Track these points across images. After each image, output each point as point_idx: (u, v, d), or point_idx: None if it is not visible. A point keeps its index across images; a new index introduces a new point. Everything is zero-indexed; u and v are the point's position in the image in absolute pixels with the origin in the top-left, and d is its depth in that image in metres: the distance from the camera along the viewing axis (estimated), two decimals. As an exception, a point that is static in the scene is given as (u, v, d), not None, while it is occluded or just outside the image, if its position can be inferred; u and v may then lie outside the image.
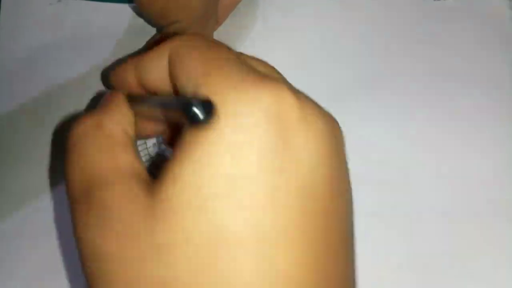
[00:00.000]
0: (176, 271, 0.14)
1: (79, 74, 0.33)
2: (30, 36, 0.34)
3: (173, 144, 0.18)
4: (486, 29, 0.31)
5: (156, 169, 0.15)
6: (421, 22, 0.32)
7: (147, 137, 0.22)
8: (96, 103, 0.21)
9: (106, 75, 0.32)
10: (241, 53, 0.18)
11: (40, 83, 0.33)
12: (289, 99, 0.16)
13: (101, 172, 0.16)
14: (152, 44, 0.29)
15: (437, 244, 0.27)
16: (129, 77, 0.19)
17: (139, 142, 0.30)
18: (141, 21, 0.33)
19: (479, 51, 0.31)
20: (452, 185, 0.28)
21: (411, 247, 0.27)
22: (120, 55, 0.33)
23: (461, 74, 0.30)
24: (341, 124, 0.17)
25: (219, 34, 0.32)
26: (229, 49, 0.17)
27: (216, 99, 0.15)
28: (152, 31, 0.32)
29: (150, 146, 0.31)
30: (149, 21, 0.31)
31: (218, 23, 0.31)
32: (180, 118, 0.15)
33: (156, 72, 0.18)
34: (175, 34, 0.27)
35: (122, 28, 0.33)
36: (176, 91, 0.18)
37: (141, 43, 0.32)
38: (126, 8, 0.33)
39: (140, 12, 0.32)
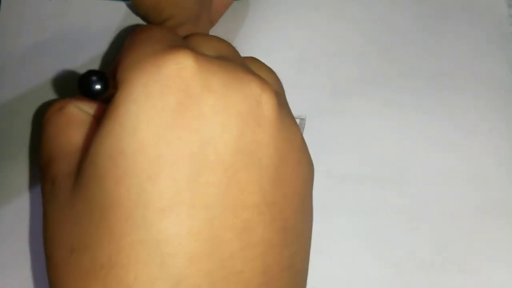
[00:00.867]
0: (87, 236, 0.16)
1: (79, 69, 0.32)
2: (29, 33, 0.34)
3: None
4: (485, 27, 0.31)
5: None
6: (421, 18, 0.31)
7: None
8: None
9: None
10: (198, 34, 0.20)
11: (38, 80, 0.33)
12: (190, 68, 0.16)
13: (55, 148, 0.18)
14: None
15: (438, 243, 0.27)
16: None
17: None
18: (138, 18, 0.33)
19: (478, 49, 0.31)
20: (454, 184, 0.28)
21: (411, 247, 0.27)
22: (118, 52, 0.32)
23: (462, 73, 0.30)
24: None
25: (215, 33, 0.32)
26: (164, 31, 0.19)
27: (121, 74, 0.16)
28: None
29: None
30: (144, 18, 0.32)
31: (211, 22, 0.31)
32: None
33: None
34: None
35: (120, 25, 0.33)
36: None
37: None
38: (123, 6, 0.33)
39: (135, 9, 0.33)
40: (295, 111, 0.29)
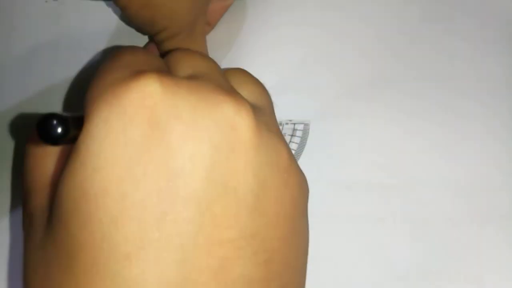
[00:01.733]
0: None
1: (75, 72, 0.32)
2: (25, 35, 0.33)
3: None
4: (493, 28, 0.30)
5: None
6: (428, 20, 0.31)
7: None
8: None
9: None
10: (180, 53, 0.18)
11: (35, 82, 0.32)
12: (154, 95, 0.15)
13: (33, 180, 0.18)
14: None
15: (444, 253, 0.26)
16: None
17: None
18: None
19: (486, 51, 0.30)
20: (460, 190, 0.27)
21: (418, 256, 0.27)
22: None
23: (469, 77, 0.29)
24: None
25: (212, 37, 0.31)
26: (137, 54, 0.18)
27: (85, 108, 0.15)
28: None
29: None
30: (138, 30, 0.31)
31: (210, 25, 0.31)
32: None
33: None
34: (164, 41, 0.27)
35: (118, 26, 0.32)
36: None
37: (135, 42, 0.31)
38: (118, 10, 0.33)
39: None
40: (299, 115, 0.29)
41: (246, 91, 0.19)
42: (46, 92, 0.32)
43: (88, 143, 0.15)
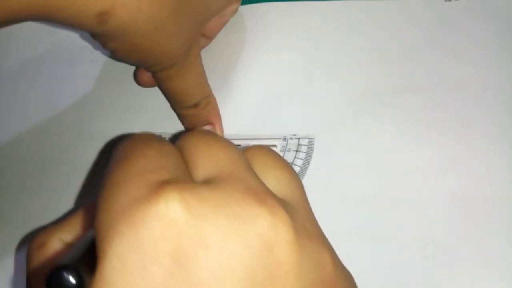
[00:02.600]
0: None
1: (73, 80, 0.32)
2: (23, 42, 0.33)
3: None
4: (500, 30, 0.29)
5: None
6: (434, 25, 0.30)
7: None
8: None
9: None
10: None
11: (35, 90, 0.32)
12: (177, 223, 0.13)
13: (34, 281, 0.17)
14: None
15: (454, 272, 0.26)
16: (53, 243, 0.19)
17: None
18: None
19: (492, 58, 0.29)
20: (468, 207, 0.26)
21: (427, 275, 0.26)
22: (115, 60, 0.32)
23: (476, 85, 0.28)
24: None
25: (212, 51, 0.30)
26: (151, 153, 0.16)
27: (96, 237, 0.14)
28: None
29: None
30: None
31: (209, 38, 0.30)
32: None
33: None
34: (157, 72, 0.26)
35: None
36: None
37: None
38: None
39: None
40: (304, 128, 0.28)
41: (273, 179, 0.17)
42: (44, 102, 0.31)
43: (102, 286, 0.13)
